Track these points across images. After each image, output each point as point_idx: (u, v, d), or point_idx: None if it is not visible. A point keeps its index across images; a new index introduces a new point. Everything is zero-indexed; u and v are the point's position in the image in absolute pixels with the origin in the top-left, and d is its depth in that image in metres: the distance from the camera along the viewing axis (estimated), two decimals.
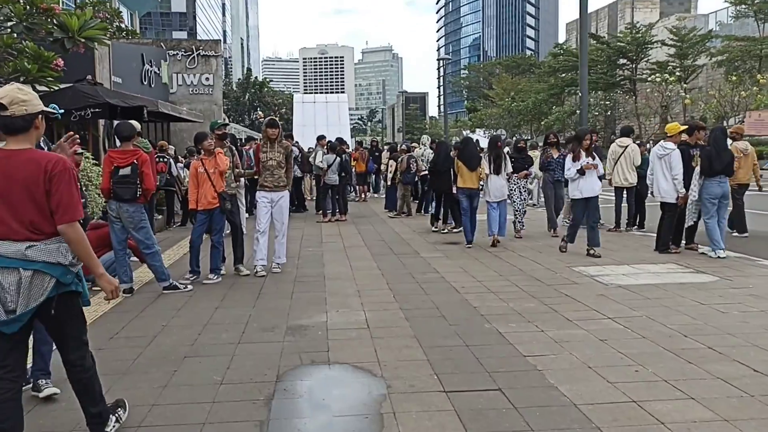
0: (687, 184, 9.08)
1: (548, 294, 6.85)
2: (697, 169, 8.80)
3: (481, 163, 10.58)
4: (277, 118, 8.85)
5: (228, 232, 8.81)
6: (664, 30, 53.75)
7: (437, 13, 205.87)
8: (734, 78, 39.25)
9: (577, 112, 52.56)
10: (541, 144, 14.32)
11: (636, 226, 11.85)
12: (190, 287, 7.39)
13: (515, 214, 11.59)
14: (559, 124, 55.23)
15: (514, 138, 13.95)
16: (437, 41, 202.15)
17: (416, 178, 16.48)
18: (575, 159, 9.34)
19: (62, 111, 6.58)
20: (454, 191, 12.03)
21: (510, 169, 10.91)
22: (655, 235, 9.66)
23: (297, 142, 19.94)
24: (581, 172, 9.25)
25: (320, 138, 16.44)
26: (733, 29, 50.44)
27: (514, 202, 11.57)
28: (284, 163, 8.33)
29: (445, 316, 5.97)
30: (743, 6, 45.61)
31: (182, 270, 8.22)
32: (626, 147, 11.59)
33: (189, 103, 24.36)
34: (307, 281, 7.82)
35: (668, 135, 9.52)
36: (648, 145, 14.16)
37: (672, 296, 6.57)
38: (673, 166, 9.17)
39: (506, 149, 12.41)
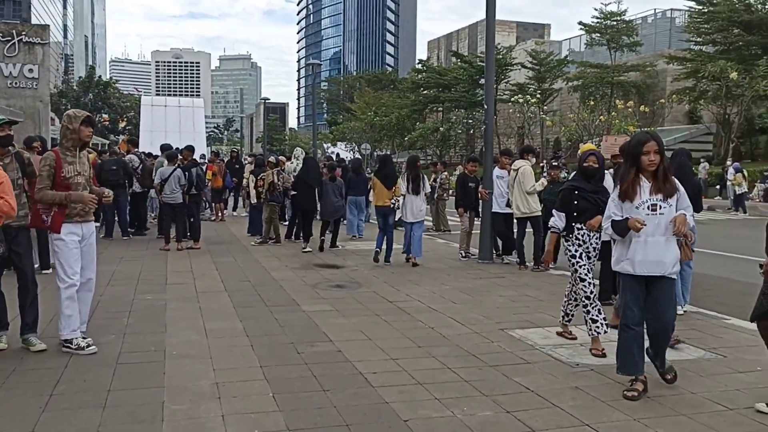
0: None
1: (500, 386, 4.71)
2: None
3: (397, 182, 10.35)
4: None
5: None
6: (523, 53, 54.95)
7: (297, 24, 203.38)
8: (592, 103, 40.26)
9: (440, 129, 53.04)
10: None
11: (534, 263, 10.04)
12: None
13: (585, 304, 5.62)
14: (422, 141, 54.87)
15: (581, 152, 6.35)
16: (297, 52, 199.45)
17: (285, 197, 14.05)
18: (626, 195, 4.52)
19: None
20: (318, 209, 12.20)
21: (428, 189, 10.46)
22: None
23: (140, 152, 16.68)
24: (630, 228, 4.42)
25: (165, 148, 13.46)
26: (585, 56, 52.35)
27: (579, 281, 5.64)
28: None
29: None
30: (596, 34, 47.32)
31: None
32: (518, 169, 9.88)
33: (6, 99, 20.21)
34: (137, 364, 5.14)
35: None
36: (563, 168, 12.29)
37: (678, 392, 4.64)
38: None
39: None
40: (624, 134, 32.65)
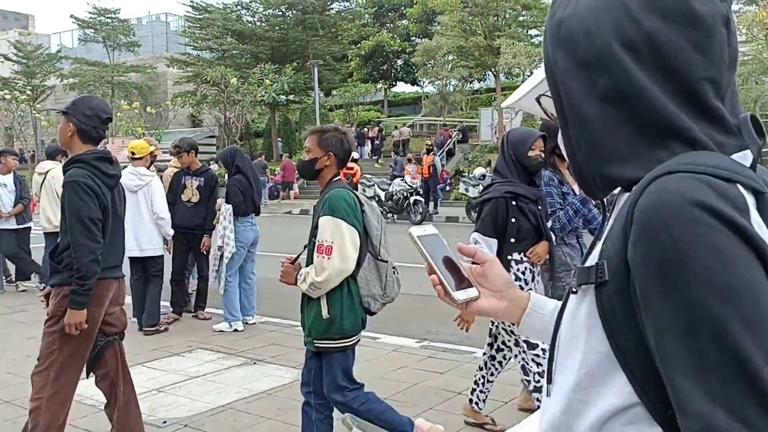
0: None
1: None
2: (230, 207, 6.28)
3: None
4: None
5: None
6: (5, 44, 48.54)
7: None
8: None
9: None
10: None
11: None
12: None
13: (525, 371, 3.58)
14: None
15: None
16: None
17: None
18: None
19: None
20: None
21: None
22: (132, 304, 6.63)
23: None
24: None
25: None
26: (80, 53, 49.07)
27: (499, 350, 3.84)
28: None
29: None
30: (91, 30, 44.71)
31: None
32: (46, 173, 8.06)
33: None
34: None
35: (136, 156, 6.78)
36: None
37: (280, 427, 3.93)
38: (156, 200, 6.52)
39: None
40: (132, 136, 31.56)
